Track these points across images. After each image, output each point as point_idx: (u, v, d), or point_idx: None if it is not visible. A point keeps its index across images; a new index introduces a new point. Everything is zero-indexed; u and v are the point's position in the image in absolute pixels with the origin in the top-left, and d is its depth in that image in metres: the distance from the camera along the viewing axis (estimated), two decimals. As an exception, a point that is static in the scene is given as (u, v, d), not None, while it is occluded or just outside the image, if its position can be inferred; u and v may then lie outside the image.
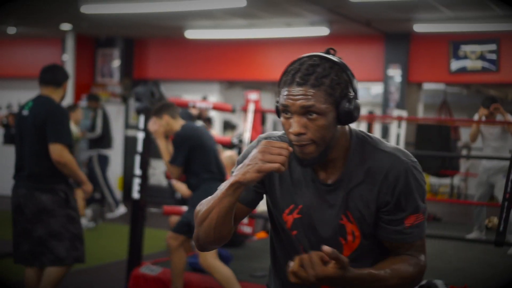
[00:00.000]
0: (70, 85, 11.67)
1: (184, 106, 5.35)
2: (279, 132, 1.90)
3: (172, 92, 10.51)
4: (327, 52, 1.74)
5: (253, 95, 5.89)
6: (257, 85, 12.47)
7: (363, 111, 12.88)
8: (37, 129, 4.23)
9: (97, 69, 12.26)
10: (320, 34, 9.65)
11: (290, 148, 1.63)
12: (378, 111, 14.20)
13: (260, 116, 6.20)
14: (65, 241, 4.25)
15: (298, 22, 9.45)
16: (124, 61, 12.00)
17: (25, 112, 4.34)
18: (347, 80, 1.69)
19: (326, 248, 1.53)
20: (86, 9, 8.56)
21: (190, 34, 10.46)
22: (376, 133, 9.95)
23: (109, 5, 8.39)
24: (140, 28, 10.81)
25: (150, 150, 5.34)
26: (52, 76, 4.51)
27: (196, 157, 4.68)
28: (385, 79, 10.09)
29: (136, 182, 5.21)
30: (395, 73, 9.99)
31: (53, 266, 4.23)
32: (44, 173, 4.25)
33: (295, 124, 1.66)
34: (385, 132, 9.59)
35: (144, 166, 5.22)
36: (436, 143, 7.76)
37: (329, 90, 1.65)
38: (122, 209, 9.71)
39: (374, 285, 1.66)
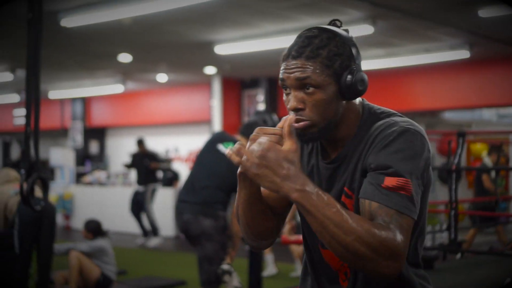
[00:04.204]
0: (217, 127, 12.05)
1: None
2: None
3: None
4: (332, 23, 1.62)
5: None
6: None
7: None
8: (228, 168, 4.45)
9: (243, 110, 12.56)
10: (461, 57, 9.21)
11: (279, 131, 1.48)
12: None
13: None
14: (214, 266, 4.47)
15: (437, 47, 9.10)
16: (268, 100, 12.20)
17: (224, 149, 4.62)
18: (349, 51, 1.55)
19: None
20: (220, 49, 8.81)
21: (328, 68, 10.40)
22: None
23: (241, 44, 8.60)
24: (279, 66, 10.95)
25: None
26: (247, 130, 4.82)
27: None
28: (538, 101, 9.41)
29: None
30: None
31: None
32: (212, 201, 4.52)
33: (292, 99, 1.55)
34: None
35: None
36: None
37: (326, 61, 1.52)
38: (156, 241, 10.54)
39: (326, 214, 1.39)
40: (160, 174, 11.58)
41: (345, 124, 1.60)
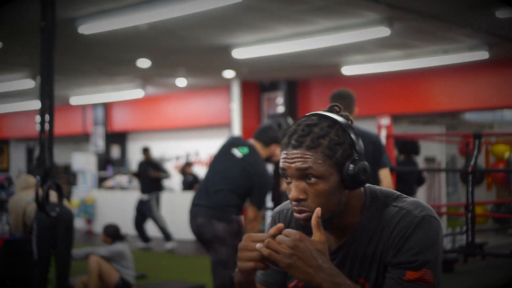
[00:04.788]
0: (237, 130, 12.07)
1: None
2: None
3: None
4: (331, 109, 1.59)
5: (384, 121, 5.70)
6: (421, 118, 12.05)
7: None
8: (242, 173, 4.49)
9: (262, 113, 12.56)
10: (480, 58, 9.14)
11: (267, 237, 1.46)
12: None
13: (393, 141, 5.97)
14: (229, 271, 4.43)
15: (456, 48, 9.04)
16: (288, 103, 12.20)
17: (238, 153, 4.60)
18: (350, 139, 1.53)
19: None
20: (237, 53, 8.84)
21: (347, 70, 10.39)
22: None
23: (258, 47, 8.62)
24: (298, 69, 10.96)
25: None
26: (262, 135, 4.73)
27: None
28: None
29: (269, 215, 5.20)
30: None
31: None
32: (225, 204, 4.50)
33: (294, 189, 1.52)
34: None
35: (276, 198, 5.20)
36: None
37: (327, 151, 1.50)
38: (171, 244, 10.60)
39: None
40: (164, 183, 11.69)
41: (348, 212, 1.57)
